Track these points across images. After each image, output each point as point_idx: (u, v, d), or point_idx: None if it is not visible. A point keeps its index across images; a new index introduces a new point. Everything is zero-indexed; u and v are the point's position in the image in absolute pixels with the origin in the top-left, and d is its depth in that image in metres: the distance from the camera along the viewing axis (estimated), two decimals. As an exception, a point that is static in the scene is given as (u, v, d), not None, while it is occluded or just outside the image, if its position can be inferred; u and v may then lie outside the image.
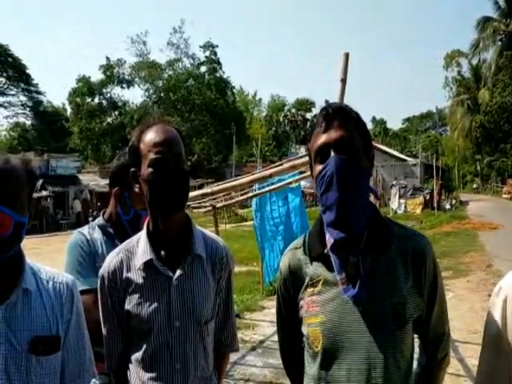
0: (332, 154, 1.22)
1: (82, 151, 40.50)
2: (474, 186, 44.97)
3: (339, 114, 1.25)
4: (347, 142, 1.23)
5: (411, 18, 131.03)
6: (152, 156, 1.40)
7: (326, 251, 1.28)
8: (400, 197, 23.75)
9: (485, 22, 39.26)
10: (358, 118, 1.29)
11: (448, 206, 23.64)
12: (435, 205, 21.60)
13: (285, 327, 1.47)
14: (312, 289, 1.30)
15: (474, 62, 43.43)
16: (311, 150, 1.30)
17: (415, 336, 1.34)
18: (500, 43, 39.04)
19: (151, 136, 1.42)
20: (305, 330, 1.31)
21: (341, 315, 1.25)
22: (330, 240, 1.25)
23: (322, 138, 1.25)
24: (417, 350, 1.37)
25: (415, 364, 1.37)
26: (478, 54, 41.77)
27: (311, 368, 1.31)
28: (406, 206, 23.39)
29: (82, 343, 1.36)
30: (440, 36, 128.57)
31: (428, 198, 23.39)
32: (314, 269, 1.31)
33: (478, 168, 44.24)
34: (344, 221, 1.21)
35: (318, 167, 1.25)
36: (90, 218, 16.10)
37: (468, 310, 6.25)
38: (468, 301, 6.79)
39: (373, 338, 1.22)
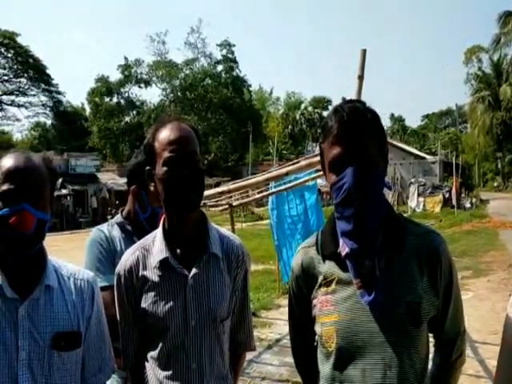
0: (349, 168, 1.19)
1: (100, 150, 41.05)
2: (495, 184, 44.07)
3: (354, 121, 1.21)
4: (364, 152, 1.20)
5: (431, 14, 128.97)
6: (166, 154, 1.39)
7: (338, 250, 1.27)
8: (419, 195, 23.40)
9: (507, 16, 38.39)
10: (373, 118, 1.25)
11: (468, 205, 23.23)
12: (455, 203, 21.24)
13: (297, 326, 1.46)
14: (326, 288, 1.29)
15: (496, 57, 42.53)
16: (325, 156, 1.27)
17: (430, 335, 1.33)
18: (522, 38, 38.16)
19: (166, 134, 1.41)
20: (318, 328, 1.30)
21: (355, 314, 1.24)
22: (344, 247, 1.25)
23: (338, 150, 1.22)
24: (432, 349, 1.35)
25: (430, 364, 1.35)
26: (500, 49, 40.90)
27: (324, 368, 1.30)
28: (424, 205, 23.05)
29: (102, 339, 1.38)
30: (461, 31, 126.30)
31: (447, 196, 23.02)
32: (327, 267, 1.31)
33: (499, 166, 43.34)
34: (360, 233, 1.21)
35: (333, 177, 1.24)
36: (109, 216, 16.33)
37: (488, 310, 6.13)
38: (488, 301, 6.66)
39: (388, 337, 1.21)
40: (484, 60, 45.49)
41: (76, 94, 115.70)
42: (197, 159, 1.42)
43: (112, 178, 29.91)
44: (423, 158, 31.22)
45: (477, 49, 46.53)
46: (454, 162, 22.79)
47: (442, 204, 22.67)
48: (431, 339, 1.34)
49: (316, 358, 1.36)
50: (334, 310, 1.27)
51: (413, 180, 24.86)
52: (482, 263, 9.61)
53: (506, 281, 7.84)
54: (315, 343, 1.35)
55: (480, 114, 41.27)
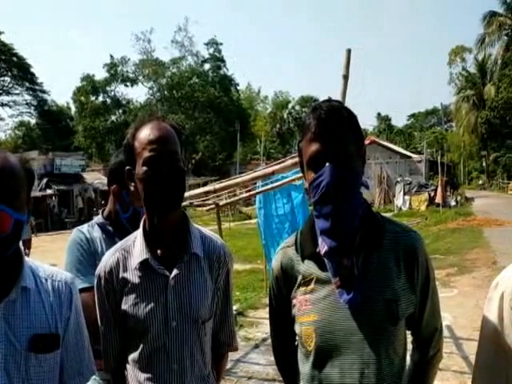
0: (327, 164, 1.20)
1: (86, 150, 40.65)
2: (480, 182, 44.68)
3: (332, 119, 1.22)
4: (342, 150, 1.21)
5: (417, 14, 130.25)
6: (146, 154, 1.37)
7: (317, 250, 1.28)
8: (405, 193, 23.62)
9: (491, 16, 38.96)
10: (350, 117, 1.26)
11: (453, 203, 23.52)
12: (440, 201, 21.49)
13: (278, 326, 1.46)
14: (305, 287, 1.30)
15: (480, 57, 43.13)
16: (304, 154, 1.28)
17: (408, 333, 1.34)
18: (506, 38, 38.74)
19: (145, 133, 1.40)
20: (298, 328, 1.31)
21: (334, 313, 1.25)
22: (323, 245, 1.25)
23: (316, 146, 1.22)
24: (409, 346, 1.36)
25: (408, 360, 1.36)
26: (484, 49, 41.49)
27: (304, 367, 1.31)
28: (410, 203, 23.28)
29: (82, 341, 1.36)
30: (445, 31, 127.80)
31: (433, 194, 23.28)
32: (306, 267, 1.31)
33: (484, 164, 43.96)
34: (338, 230, 1.21)
35: (312, 174, 1.24)
36: (94, 216, 16.13)
37: (473, 306, 6.21)
38: (473, 297, 6.75)
39: (366, 335, 1.22)
40: (468, 60, 46.19)
41: (61, 93, 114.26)
42: (177, 159, 1.40)
43: (98, 178, 29.63)
44: (409, 157, 31.52)
45: (460, 49, 47.17)
46: (439, 160, 23.06)
47: (428, 202, 22.93)
48: (409, 336, 1.35)
49: (297, 358, 1.36)
50: (313, 309, 1.27)
51: (399, 179, 25.09)
52: (466, 260, 9.74)
53: (490, 278, 7.93)
54: (296, 343, 1.36)
55: (465, 113, 41.85)
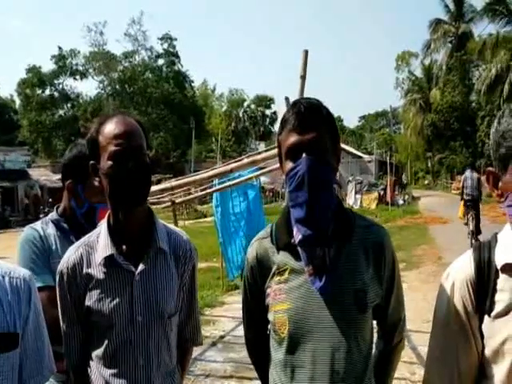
0: (304, 155, 1.26)
1: (31, 145, 38.78)
2: (426, 182, 46.82)
3: (312, 113, 1.28)
4: (318, 143, 1.27)
5: (368, 18, 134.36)
6: (112, 148, 1.36)
7: (292, 241, 1.32)
8: (356, 192, 24.35)
9: (436, 24, 40.85)
10: (327, 114, 1.33)
11: (401, 202, 24.49)
12: (389, 200, 22.32)
13: (251, 316, 1.50)
14: (279, 277, 1.34)
15: (426, 62, 45.17)
16: (282, 145, 1.33)
17: (374, 322, 1.41)
18: (450, 45, 40.79)
19: (111, 128, 1.39)
20: (271, 316, 1.35)
21: (306, 302, 1.30)
22: (297, 235, 1.30)
23: (295, 138, 1.28)
24: (375, 335, 1.44)
25: (373, 348, 1.43)
26: (430, 54, 43.50)
27: (277, 353, 1.35)
28: (361, 202, 24.02)
29: (41, 339, 1.31)
30: (395, 35, 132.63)
31: (382, 193, 24.14)
32: (281, 257, 1.35)
33: (429, 165, 46.09)
34: (312, 219, 1.27)
35: (289, 164, 1.30)
36: (41, 215, 15.47)
37: (420, 300, 6.51)
38: (420, 291, 7.07)
39: (336, 322, 1.28)
40: (414, 65, 48.29)
41: (4, 85, 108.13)
42: (143, 153, 1.40)
43: (45, 175, 28.38)
44: (360, 157, 32.54)
45: (407, 54, 49.22)
46: (388, 161, 23.94)
47: (378, 201, 23.75)
48: (375, 326, 1.42)
49: (268, 346, 1.40)
50: (287, 298, 1.32)
51: (351, 178, 25.82)
52: (414, 256, 10.17)
53: (435, 272, 8.34)
54: (268, 331, 1.40)
55: (412, 115, 43.62)
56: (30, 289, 1.28)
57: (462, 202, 10.88)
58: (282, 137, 1.32)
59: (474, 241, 9.59)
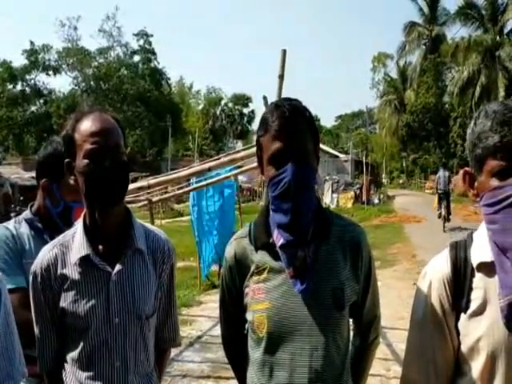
0: (289, 164, 1.25)
1: (2, 141, 37.65)
2: (400, 181, 47.68)
3: (295, 118, 1.27)
4: (302, 148, 1.27)
5: (346, 18, 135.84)
6: (88, 146, 1.33)
7: (271, 241, 1.33)
8: (333, 191, 24.59)
9: (411, 26, 41.65)
10: (309, 116, 1.33)
11: (376, 201, 24.86)
12: (364, 199, 22.64)
13: (228, 315, 1.49)
14: (258, 276, 1.34)
15: (401, 63, 45.97)
16: (265, 149, 1.31)
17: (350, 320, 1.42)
18: (424, 47, 41.65)
19: (87, 125, 1.35)
20: (250, 316, 1.35)
21: (286, 301, 1.30)
22: (279, 238, 1.30)
23: (279, 144, 1.27)
24: (351, 332, 1.45)
25: (350, 345, 1.45)
26: (405, 56, 44.30)
27: (255, 353, 1.35)
28: (338, 201, 24.27)
29: (11, 342, 1.26)
30: (372, 36, 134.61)
31: (358, 192, 24.46)
32: (259, 257, 1.35)
33: (404, 165, 46.96)
34: (296, 225, 1.27)
35: (272, 170, 1.29)
36: (13, 214, 15.03)
37: (395, 297, 6.63)
38: (395, 289, 7.19)
39: (315, 321, 1.29)
40: (389, 66, 49.09)
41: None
42: (120, 152, 1.37)
43: (16, 172, 27.54)
44: (337, 157, 32.91)
45: (383, 55, 50.03)
46: (364, 160, 24.28)
47: (354, 200, 24.05)
48: (351, 324, 1.44)
49: (246, 346, 1.40)
50: (266, 297, 1.32)
51: (327, 177, 26.06)
52: (388, 255, 10.34)
53: (410, 270, 8.52)
54: (245, 331, 1.40)
55: (387, 116, 44.38)
56: None
57: (437, 195, 13.78)
58: (265, 141, 1.31)
59: (445, 223, 12.79)
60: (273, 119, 1.28)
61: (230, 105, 57.55)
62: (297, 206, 1.26)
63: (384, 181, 34.26)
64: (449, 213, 13.13)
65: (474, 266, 1.15)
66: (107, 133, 1.35)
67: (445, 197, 13.20)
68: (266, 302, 1.31)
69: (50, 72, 40.93)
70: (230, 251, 1.41)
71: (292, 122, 1.26)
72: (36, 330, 1.43)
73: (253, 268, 1.35)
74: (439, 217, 13.31)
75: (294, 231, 1.27)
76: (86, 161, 1.33)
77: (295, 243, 1.28)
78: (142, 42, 43.03)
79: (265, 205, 1.39)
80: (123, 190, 1.40)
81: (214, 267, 8.15)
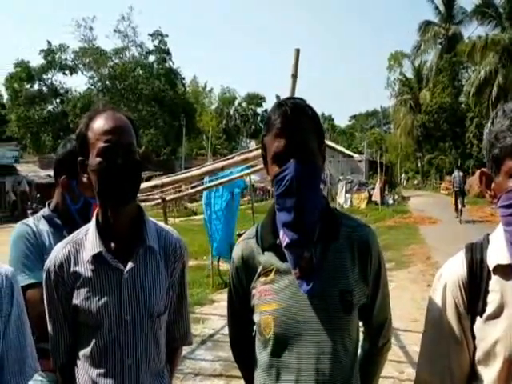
0: (292, 160, 1.24)
1: (20, 140, 38.25)
2: (415, 182, 47.18)
3: (297, 115, 1.26)
4: (305, 146, 1.26)
5: (360, 17, 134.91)
6: (100, 145, 1.33)
7: (278, 242, 1.31)
8: (346, 192, 24.41)
9: (426, 25, 41.13)
10: (313, 115, 1.32)
11: (391, 201, 24.61)
12: (378, 199, 22.43)
13: (236, 316, 1.48)
14: (265, 277, 1.33)
15: (416, 63, 45.45)
16: (268, 148, 1.31)
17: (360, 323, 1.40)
18: (440, 46, 41.11)
19: (100, 123, 1.36)
20: (257, 317, 1.33)
21: (293, 303, 1.29)
22: (284, 238, 1.29)
23: (281, 142, 1.26)
24: (361, 336, 1.42)
25: (359, 349, 1.42)
26: (420, 55, 43.77)
27: (262, 355, 1.34)
28: (351, 201, 24.10)
29: (24, 337, 1.28)
30: (387, 35, 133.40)
31: (372, 192, 24.24)
32: (266, 258, 1.34)
33: (419, 165, 46.43)
34: (300, 223, 1.26)
35: (276, 169, 1.28)
36: (29, 211, 15.27)
37: (409, 299, 6.56)
38: (409, 291, 7.12)
39: (322, 323, 1.27)
40: (406, 66, 48.55)
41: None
42: (132, 150, 1.37)
43: (33, 170, 28.04)
44: (351, 157, 32.72)
45: (399, 55, 49.48)
46: (378, 160, 24.05)
47: (368, 200, 23.86)
48: (361, 326, 1.41)
49: (254, 348, 1.38)
50: (274, 298, 1.30)
51: (341, 177, 25.91)
52: (403, 256, 10.23)
53: (424, 272, 8.42)
54: (253, 333, 1.38)
55: (402, 116, 43.89)
56: (12, 286, 1.25)
57: (454, 193, 16.68)
58: (268, 140, 1.31)
59: (461, 216, 15.36)
60: (274, 118, 1.28)
61: (244, 104, 57.66)
62: (300, 203, 1.24)
63: (404, 181, 33.99)
64: (463, 205, 15.95)
65: (491, 268, 1.13)
66: (120, 131, 1.35)
67: (460, 194, 15.99)
68: (272, 304, 1.30)
69: (67, 71, 41.51)
70: (237, 252, 1.41)
71: (293, 120, 1.25)
72: (49, 327, 1.44)
73: (260, 269, 1.34)
74: (456, 211, 15.91)
75: (298, 229, 1.26)
76: (98, 159, 1.33)
77: (300, 242, 1.26)
78: (156, 42, 43.40)
79: (272, 205, 1.37)
80: (135, 189, 1.40)
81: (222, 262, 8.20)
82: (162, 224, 1.56)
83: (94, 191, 1.38)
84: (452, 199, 17.05)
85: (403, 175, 39.81)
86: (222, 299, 6.93)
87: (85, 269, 1.38)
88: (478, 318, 1.13)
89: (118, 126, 1.36)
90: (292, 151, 1.25)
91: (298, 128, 1.26)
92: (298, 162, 1.24)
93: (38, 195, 23.53)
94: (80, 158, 1.40)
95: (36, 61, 41.59)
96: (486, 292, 1.12)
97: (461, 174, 16.62)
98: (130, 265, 1.38)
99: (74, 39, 59.26)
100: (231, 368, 4.34)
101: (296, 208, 1.25)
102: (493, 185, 1.14)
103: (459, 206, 15.69)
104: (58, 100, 42.49)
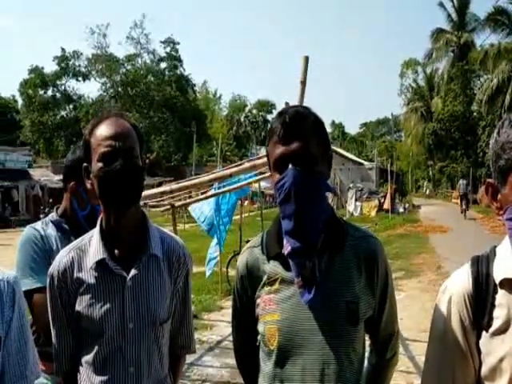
0: (290, 166, 1.24)
1: (33, 145, 38.80)
2: (426, 190, 46.74)
3: (296, 122, 1.26)
4: (304, 153, 1.25)
5: (372, 24, 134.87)
6: (101, 150, 1.34)
7: (283, 251, 1.30)
8: (356, 199, 24.27)
9: (438, 33, 40.90)
10: (315, 121, 1.30)
11: (401, 210, 24.41)
12: (388, 207, 22.25)
13: (240, 326, 1.47)
14: (269, 287, 1.31)
15: (428, 71, 45.18)
16: (270, 156, 1.32)
17: (366, 335, 1.37)
18: (452, 54, 40.86)
19: (102, 130, 1.37)
20: (261, 327, 1.32)
21: (297, 313, 1.27)
22: (287, 246, 1.27)
23: (280, 149, 1.26)
24: (367, 348, 1.40)
25: (365, 362, 1.39)
26: (432, 63, 43.53)
27: (266, 366, 1.32)
28: (361, 209, 23.95)
29: (25, 343, 1.28)
30: (399, 43, 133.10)
31: (383, 201, 24.06)
32: (271, 267, 1.33)
33: (430, 173, 46.03)
34: (301, 231, 1.24)
35: (276, 176, 1.28)
36: (42, 215, 15.44)
37: (419, 309, 6.47)
38: (419, 300, 7.03)
39: (327, 335, 1.25)
40: (419, 73, 48.26)
41: (6, 85, 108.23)
42: (133, 155, 1.37)
43: (45, 175, 28.38)
44: (361, 164, 32.50)
45: (413, 62, 49.25)
46: (389, 168, 23.90)
47: (378, 208, 23.68)
48: (367, 339, 1.38)
49: (258, 358, 1.37)
50: (277, 308, 1.29)
51: (351, 185, 25.77)
52: (413, 265, 10.12)
53: (434, 281, 8.30)
54: (257, 343, 1.37)
55: (413, 124, 43.60)
56: (13, 291, 1.26)
57: (459, 197, 21.96)
58: (269, 147, 1.31)
59: (465, 214, 19.83)
60: (275, 126, 1.28)
61: (254, 111, 57.81)
62: (299, 209, 1.23)
63: (424, 188, 33.92)
64: (467, 208, 20.55)
65: (497, 282, 1.10)
66: (121, 136, 1.36)
67: (464, 197, 20.88)
68: (276, 314, 1.28)
69: (80, 78, 42.06)
70: (242, 260, 1.40)
71: (293, 127, 1.25)
72: (53, 332, 1.44)
73: (265, 278, 1.32)
74: (461, 212, 20.34)
75: (298, 237, 1.24)
76: (99, 164, 1.34)
77: (302, 250, 1.24)
78: (168, 49, 43.80)
79: (278, 213, 1.36)
80: (136, 193, 1.39)
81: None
82: (165, 231, 1.56)
83: (96, 196, 1.39)
84: (458, 202, 22.46)
85: (425, 183, 40.12)
86: (229, 306, 6.89)
87: (88, 275, 1.39)
88: (484, 332, 1.10)
89: (119, 132, 1.36)
90: (290, 158, 1.24)
91: (296, 134, 1.25)
92: (295, 168, 1.23)
93: (51, 199, 23.76)
94: (84, 165, 1.41)
95: (50, 67, 42.24)
96: (493, 306, 1.09)
97: (465, 181, 22.00)
98: (133, 272, 1.38)
99: (88, 46, 60.12)
100: (238, 375, 4.28)
101: (295, 215, 1.23)
102: (499, 196, 1.11)
103: (463, 207, 20.36)
104: (70, 106, 43.03)
